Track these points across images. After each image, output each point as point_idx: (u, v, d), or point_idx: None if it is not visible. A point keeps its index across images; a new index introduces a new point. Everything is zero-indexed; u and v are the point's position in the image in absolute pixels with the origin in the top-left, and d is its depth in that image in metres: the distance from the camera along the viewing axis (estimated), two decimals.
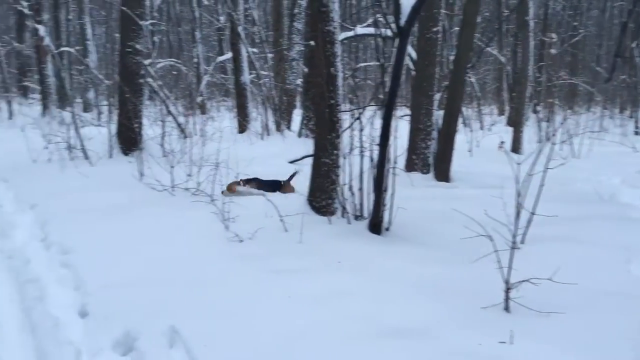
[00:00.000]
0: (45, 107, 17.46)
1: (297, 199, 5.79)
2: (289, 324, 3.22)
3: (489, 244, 3.67)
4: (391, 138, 5.06)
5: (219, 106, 19.10)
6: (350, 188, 5.62)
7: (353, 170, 5.65)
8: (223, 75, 21.50)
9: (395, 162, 5.35)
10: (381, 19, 7.07)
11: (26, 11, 12.16)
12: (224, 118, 14.73)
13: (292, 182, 6.80)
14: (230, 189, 6.53)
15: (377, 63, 7.91)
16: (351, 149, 5.73)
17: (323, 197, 5.62)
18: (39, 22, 14.36)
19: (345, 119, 5.74)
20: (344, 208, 5.54)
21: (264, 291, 3.71)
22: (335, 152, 5.53)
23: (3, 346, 3.17)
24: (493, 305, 3.42)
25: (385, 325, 3.19)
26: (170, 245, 4.68)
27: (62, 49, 16.60)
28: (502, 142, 12.70)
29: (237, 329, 3.15)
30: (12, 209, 6.12)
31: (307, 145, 8.51)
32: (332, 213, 5.60)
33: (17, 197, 6.59)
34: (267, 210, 5.33)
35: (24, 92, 21.98)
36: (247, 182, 6.56)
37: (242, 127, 13.19)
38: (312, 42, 6.16)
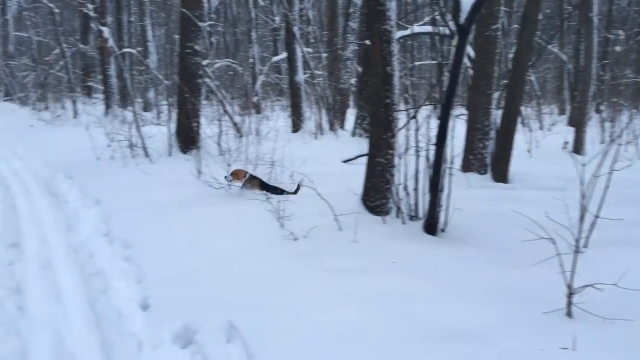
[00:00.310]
0: (108, 106, 18.06)
1: (351, 198, 5.78)
2: (344, 322, 3.23)
3: (549, 248, 3.56)
4: (448, 138, 4.99)
5: (273, 106, 19.26)
6: (405, 188, 5.57)
7: (408, 170, 5.60)
8: (277, 75, 21.68)
9: (451, 162, 5.28)
10: (439, 17, 6.98)
11: (91, 14, 12.58)
12: (279, 117, 14.85)
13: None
14: (235, 175, 6.52)
15: (433, 62, 7.82)
16: (406, 149, 5.68)
17: (377, 196, 5.60)
18: (103, 24, 14.86)
19: (400, 118, 5.69)
20: (398, 208, 5.50)
21: (318, 289, 3.72)
22: (390, 151, 5.50)
23: (71, 337, 3.31)
24: (555, 310, 3.31)
25: (443, 327, 3.15)
26: (226, 242, 4.76)
27: (124, 50, 17.11)
28: (566, 143, 12.32)
29: (293, 326, 3.18)
30: (78, 205, 6.38)
31: (360, 145, 8.49)
32: (387, 213, 5.57)
33: (82, 193, 6.87)
34: (322, 209, 5.34)
35: (88, 92, 22.79)
36: (253, 178, 6.50)
37: (296, 127, 13.27)
38: (367, 42, 6.15)
